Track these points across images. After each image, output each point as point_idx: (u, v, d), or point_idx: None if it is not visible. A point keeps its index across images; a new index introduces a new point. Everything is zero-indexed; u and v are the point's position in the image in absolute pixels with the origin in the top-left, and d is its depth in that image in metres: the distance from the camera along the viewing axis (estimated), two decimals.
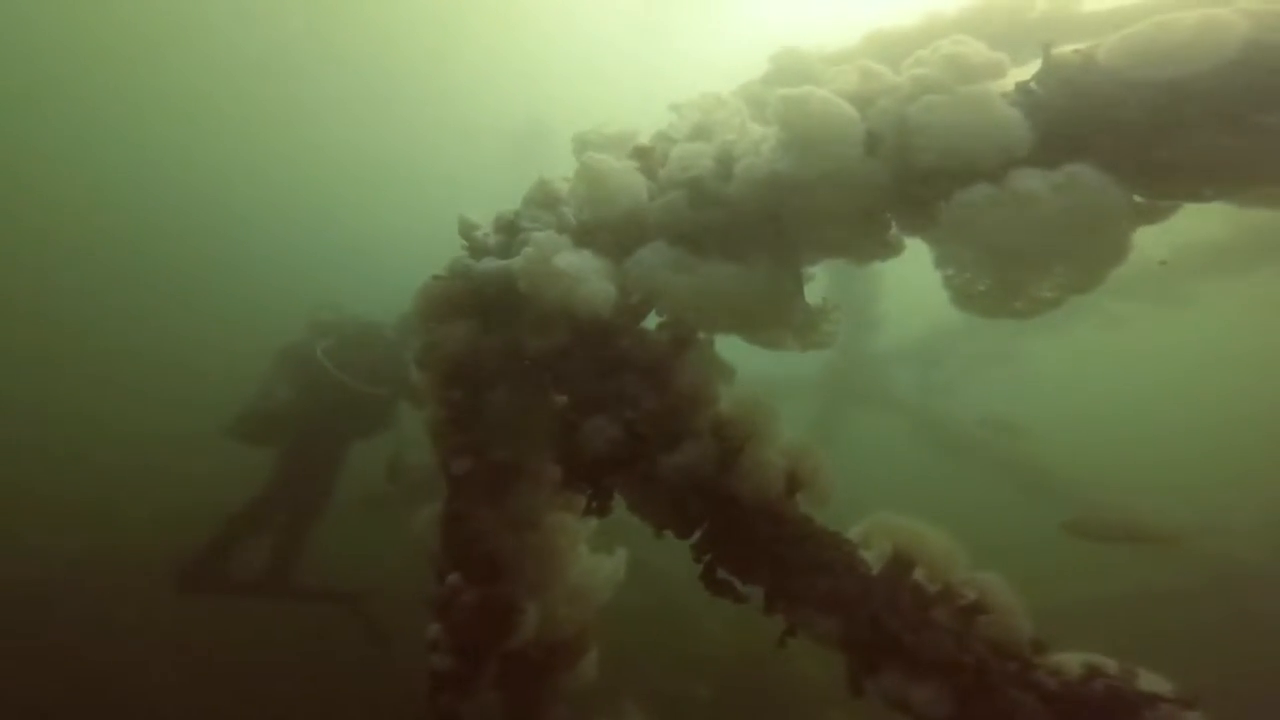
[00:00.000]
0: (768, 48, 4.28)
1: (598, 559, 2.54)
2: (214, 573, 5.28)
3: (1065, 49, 1.88)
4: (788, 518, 1.91)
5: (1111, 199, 1.51)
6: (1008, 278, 1.61)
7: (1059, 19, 3.83)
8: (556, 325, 1.93)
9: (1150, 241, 1.80)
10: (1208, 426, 11.70)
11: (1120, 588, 7.04)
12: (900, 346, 9.37)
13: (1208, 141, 1.62)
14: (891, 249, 2.07)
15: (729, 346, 2.19)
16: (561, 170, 2.34)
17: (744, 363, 2.22)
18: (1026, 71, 1.96)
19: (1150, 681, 1.77)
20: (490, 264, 2.02)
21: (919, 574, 1.85)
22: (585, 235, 2.02)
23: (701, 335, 2.06)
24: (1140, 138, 1.70)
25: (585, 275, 1.80)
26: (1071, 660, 1.82)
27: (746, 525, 1.91)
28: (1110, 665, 1.77)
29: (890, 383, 9.23)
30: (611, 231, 1.98)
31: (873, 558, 1.92)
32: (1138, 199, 1.74)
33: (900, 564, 1.84)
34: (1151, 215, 1.83)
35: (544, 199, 2.14)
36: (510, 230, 2.12)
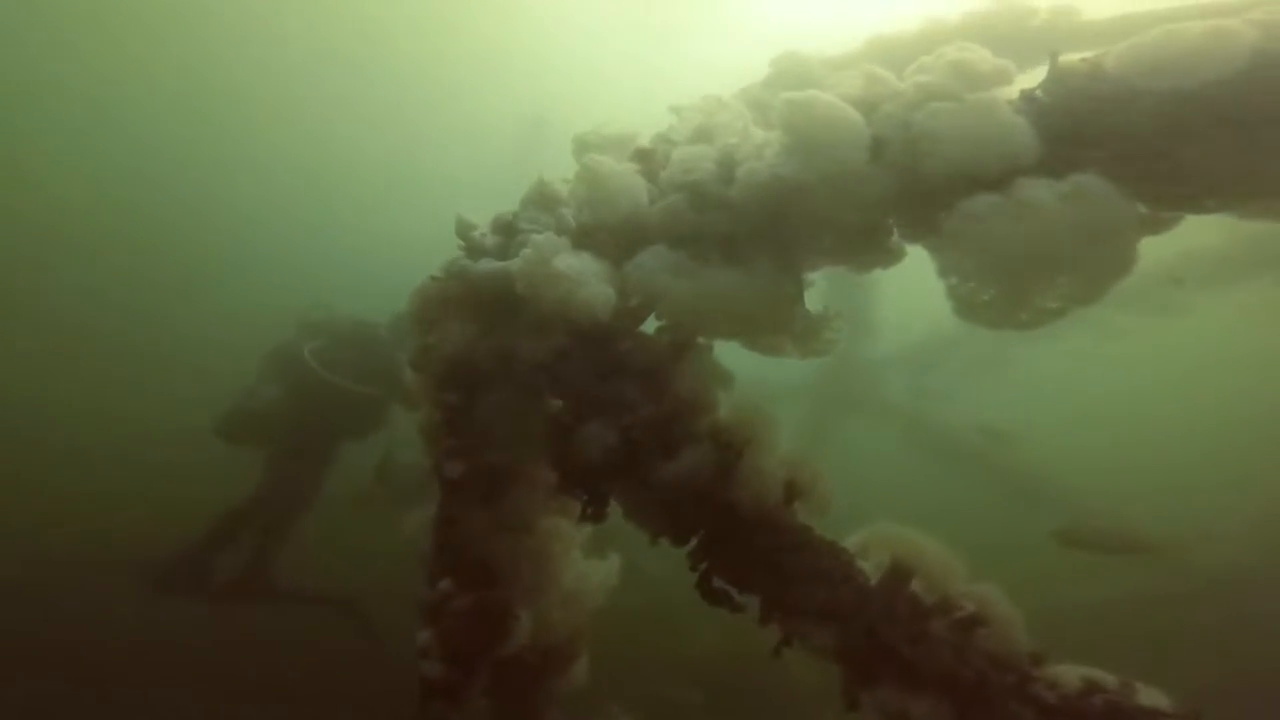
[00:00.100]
0: (769, 50, 4.26)
1: (591, 564, 2.51)
2: (194, 575, 5.23)
3: (1070, 57, 1.87)
4: (785, 526, 1.89)
5: (1118, 210, 1.50)
6: (1012, 288, 1.59)
7: (1061, 27, 3.82)
8: (554, 328, 1.90)
9: (1146, 252, 1.79)
10: (1203, 431, 11.75)
11: (1112, 592, 7.06)
12: (895, 351, 9.38)
13: (1214, 152, 1.61)
14: (893, 256, 2.06)
15: (721, 349, 2.17)
16: (561, 170, 2.32)
17: (736, 365, 2.19)
18: (1028, 78, 1.94)
19: (1149, 696, 1.75)
20: (488, 265, 2.00)
21: (917, 585, 1.83)
22: (584, 237, 1.99)
23: (700, 341, 2.03)
24: (1146, 148, 1.69)
25: (584, 278, 1.78)
26: (1070, 673, 1.80)
27: (744, 534, 1.89)
28: (1109, 680, 1.76)
29: (884, 388, 9.23)
30: (611, 234, 1.95)
31: (870, 568, 1.90)
32: (1141, 209, 1.73)
33: (898, 575, 1.82)
34: (1154, 226, 1.82)
35: (543, 200, 2.11)
36: (508, 231, 2.09)
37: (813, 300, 2.14)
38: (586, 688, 2.56)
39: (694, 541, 1.95)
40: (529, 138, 12.80)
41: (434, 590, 1.99)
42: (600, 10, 14.26)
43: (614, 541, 2.56)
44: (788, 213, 1.89)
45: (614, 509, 2.10)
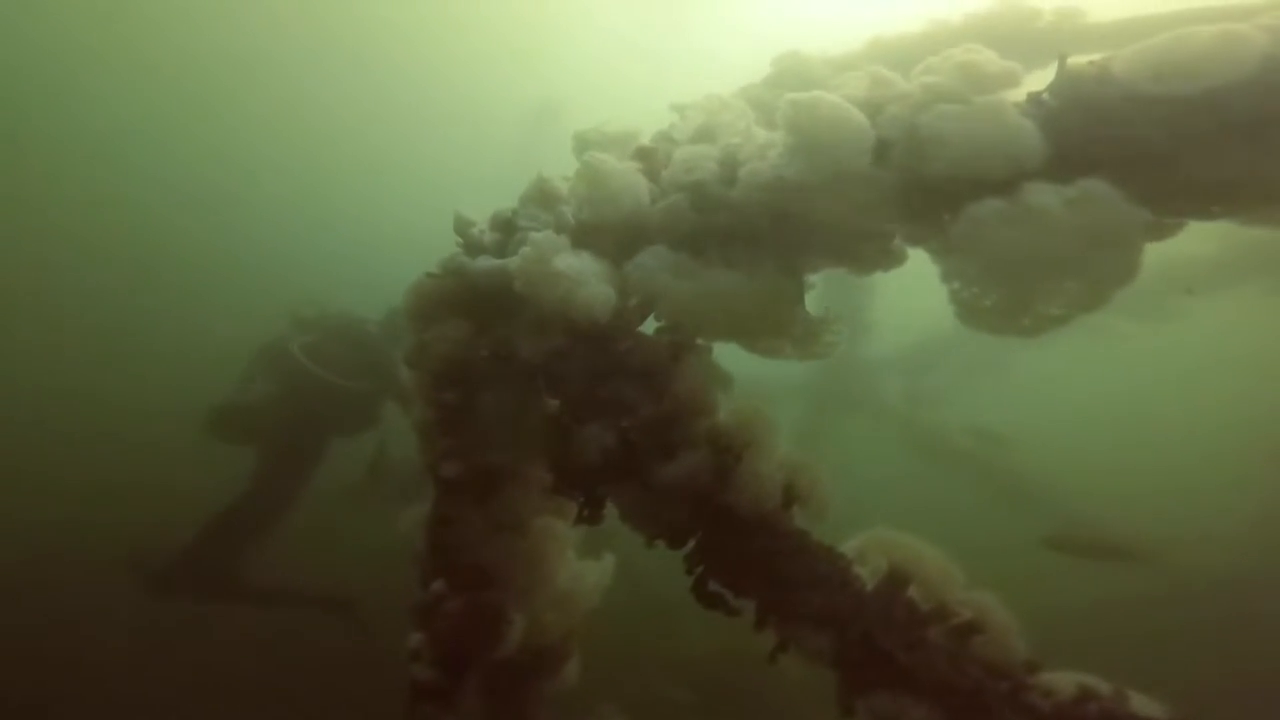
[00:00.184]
0: (770, 48, 4.23)
1: (585, 564, 2.50)
2: (189, 576, 5.19)
3: (1076, 60, 1.85)
4: (783, 531, 1.87)
5: (1125, 215, 1.48)
6: (1015, 294, 1.57)
7: (1066, 29, 3.81)
8: (553, 328, 1.88)
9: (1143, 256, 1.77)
10: (1198, 434, 11.81)
11: (1109, 594, 7.08)
12: (892, 353, 9.38)
13: (1223, 158, 1.59)
14: (895, 259, 2.04)
15: (719, 348, 2.14)
16: (563, 161, 2.29)
17: (731, 365, 2.18)
18: (1032, 80, 1.92)
19: (1143, 704, 1.75)
20: (486, 263, 1.97)
21: (914, 591, 1.82)
22: (584, 236, 1.97)
23: (700, 342, 2.01)
24: (1153, 153, 1.67)
25: (584, 278, 1.75)
26: (1064, 680, 1.79)
27: (741, 537, 1.87)
28: (1103, 687, 1.75)
29: (881, 390, 9.23)
30: (611, 233, 1.93)
31: (868, 573, 1.89)
32: (1145, 215, 1.72)
33: (895, 581, 1.81)
34: (1158, 232, 1.80)
35: (542, 198, 2.08)
36: (507, 228, 2.06)
37: (811, 301, 2.12)
38: (579, 687, 2.54)
39: (690, 544, 1.93)
40: (533, 128, 12.74)
41: (426, 591, 1.96)
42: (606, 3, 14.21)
43: (607, 540, 2.54)
44: (790, 214, 1.87)
45: (609, 510, 2.09)
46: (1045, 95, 1.79)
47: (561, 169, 2.25)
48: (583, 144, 2.36)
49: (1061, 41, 3.79)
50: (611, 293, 1.81)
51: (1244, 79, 1.57)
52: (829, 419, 9.37)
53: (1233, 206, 1.73)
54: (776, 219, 1.90)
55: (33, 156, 15.87)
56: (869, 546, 1.89)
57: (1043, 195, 1.51)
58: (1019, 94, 1.86)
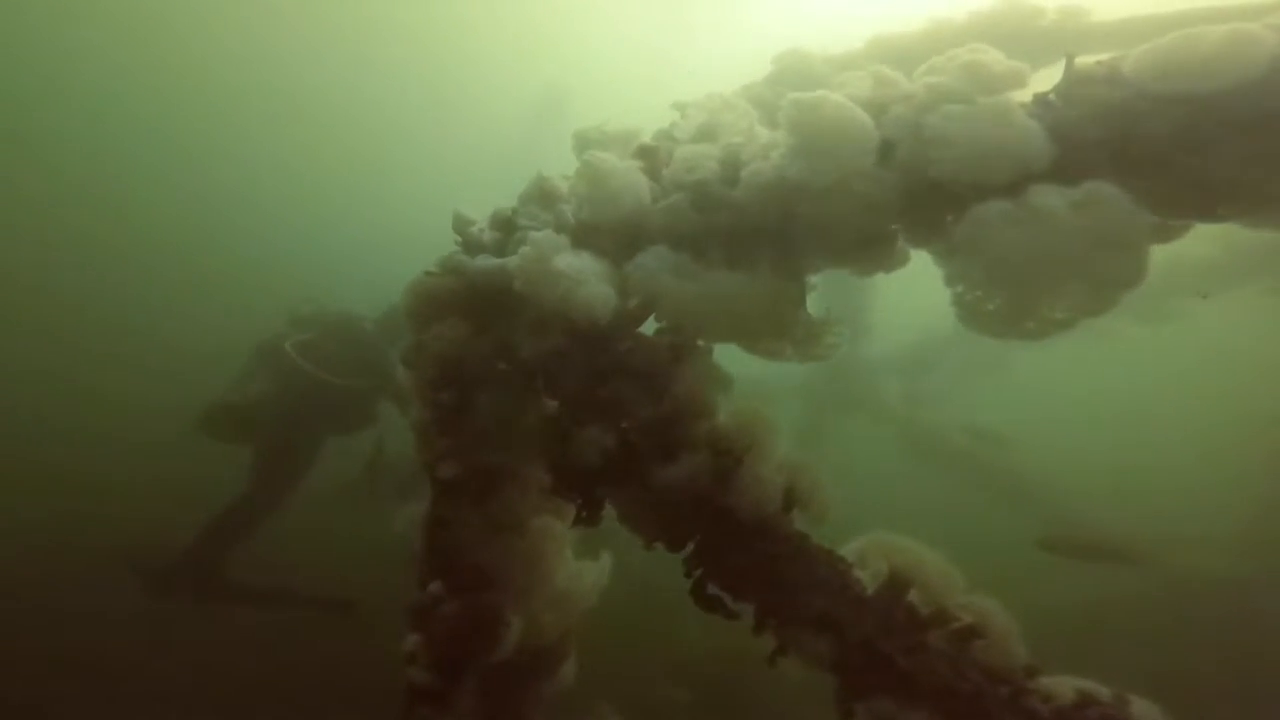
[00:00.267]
0: (771, 47, 4.21)
1: (583, 564, 2.48)
2: (188, 577, 5.17)
3: (1083, 60, 1.83)
4: (783, 534, 1.86)
5: (1131, 218, 1.46)
6: (1020, 297, 1.56)
7: (1070, 28, 3.78)
8: (552, 328, 1.86)
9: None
10: (1195, 433, 11.82)
11: (1107, 593, 7.08)
12: (890, 352, 9.37)
13: (1232, 159, 1.57)
14: (897, 260, 2.02)
15: (718, 348, 2.12)
16: (565, 162, 2.27)
17: (729, 365, 2.16)
18: (1035, 79, 1.90)
19: (1143, 708, 1.74)
20: (485, 262, 1.95)
21: (914, 596, 1.81)
22: (584, 235, 1.95)
23: (700, 344, 1.99)
24: (1161, 154, 1.65)
25: (584, 278, 1.73)
26: (1064, 685, 1.78)
27: (740, 540, 1.86)
28: (1103, 692, 1.74)
29: (879, 389, 9.22)
30: (612, 233, 1.91)
31: (868, 577, 1.88)
32: (1151, 217, 1.70)
33: (896, 585, 1.79)
34: (1164, 234, 1.79)
35: (542, 196, 2.06)
36: (506, 227, 2.04)
37: (810, 301, 2.10)
38: (576, 686, 2.53)
39: (690, 547, 1.92)
40: (536, 124, 12.69)
41: (423, 593, 1.95)
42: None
43: (605, 539, 2.53)
44: (792, 215, 1.85)
45: (607, 509, 2.07)
46: (1052, 96, 1.77)
47: (564, 166, 2.23)
48: (583, 142, 2.34)
49: (1065, 40, 3.77)
50: (612, 293, 1.79)
51: (1254, 79, 1.55)
52: (828, 419, 9.36)
53: (1241, 208, 1.71)
54: (779, 220, 1.88)
55: (33, 153, 15.80)
56: (869, 550, 1.87)
57: (1048, 197, 1.50)
58: (1024, 94, 1.84)
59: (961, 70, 1.71)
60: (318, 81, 16.99)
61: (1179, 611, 6.77)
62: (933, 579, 1.78)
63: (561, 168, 2.25)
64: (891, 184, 1.77)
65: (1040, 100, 1.77)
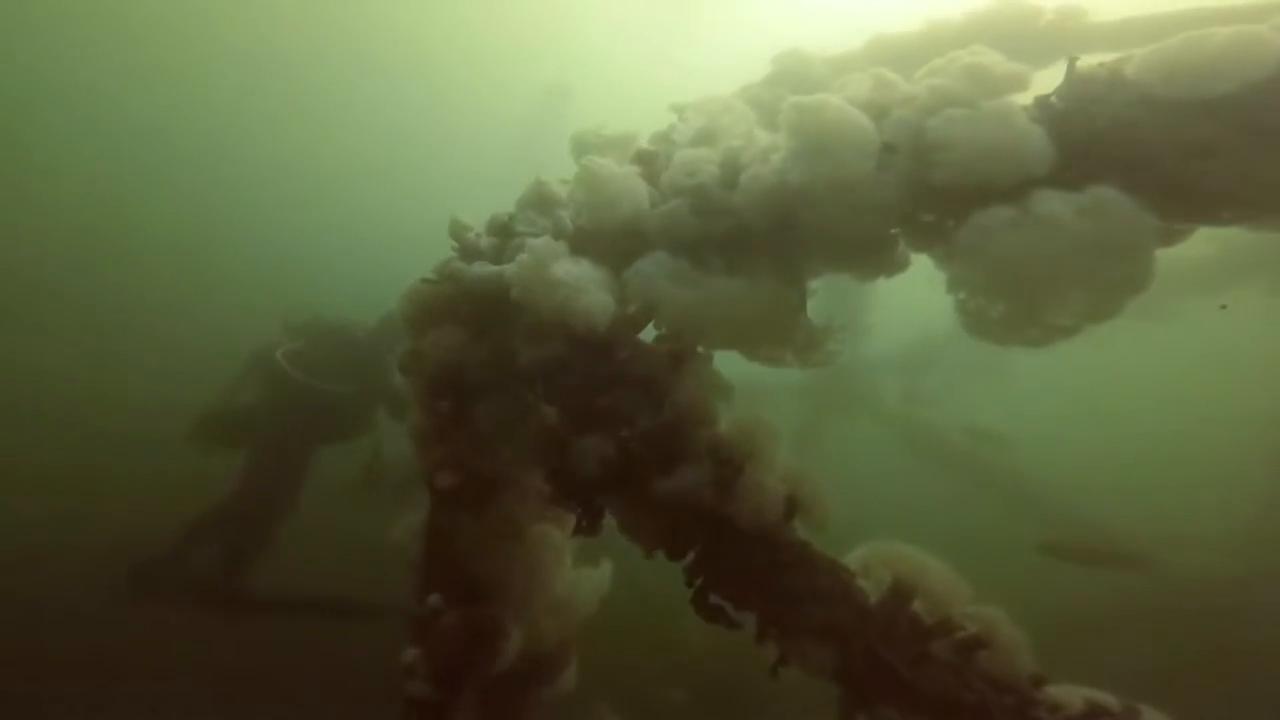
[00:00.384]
0: (770, 46, 4.19)
1: (583, 571, 2.46)
2: (165, 578, 5.14)
3: (1090, 63, 1.81)
4: (784, 543, 1.84)
5: (1137, 224, 1.44)
6: (1024, 304, 1.53)
7: (1068, 28, 3.76)
8: (551, 336, 1.83)
9: None
10: (1193, 433, 11.83)
11: (1108, 592, 7.07)
12: (888, 352, 9.35)
13: (1238, 163, 1.55)
14: (898, 265, 2.00)
15: (716, 352, 2.10)
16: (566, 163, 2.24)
17: (728, 366, 2.13)
18: (1035, 80, 1.88)
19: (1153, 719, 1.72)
20: (482, 269, 1.92)
21: (918, 605, 1.78)
22: (583, 241, 1.92)
23: (700, 350, 1.97)
24: (1166, 157, 1.63)
25: (583, 285, 1.71)
26: (1072, 694, 1.76)
27: (741, 549, 1.84)
28: (1111, 702, 1.72)
29: (877, 389, 9.20)
30: (611, 239, 1.88)
31: (871, 586, 1.85)
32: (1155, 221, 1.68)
33: (899, 595, 1.77)
34: (1168, 238, 1.77)
35: (540, 201, 2.04)
36: (504, 233, 2.01)
37: (810, 306, 2.08)
38: (576, 688, 2.51)
39: (690, 556, 1.89)
40: (538, 123, 12.65)
41: (422, 605, 1.92)
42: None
43: (604, 543, 2.51)
44: (793, 219, 1.83)
45: (607, 515, 2.05)
46: (1054, 99, 1.75)
47: (568, 165, 2.20)
48: (581, 146, 2.31)
49: (1064, 41, 3.75)
50: (610, 300, 1.76)
51: (1261, 81, 1.53)
52: (827, 419, 9.34)
53: (1246, 212, 1.70)
54: (779, 224, 1.86)
55: (33, 154, 15.73)
56: (872, 559, 1.85)
57: (1052, 203, 1.48)
58: (1023, 97, 1.82)
59: (962, 73, 1.69)
60: (318, 82, 16.93)
61: (1179, 610, 6.77)
62: (937, 588, 1.76)
63: (565, 167, 2.22)
64: (892, 188, 1.75)
65: (1042, 103, 1.75)
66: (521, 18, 15.19)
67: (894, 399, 9.32)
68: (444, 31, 15.67)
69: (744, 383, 2.26)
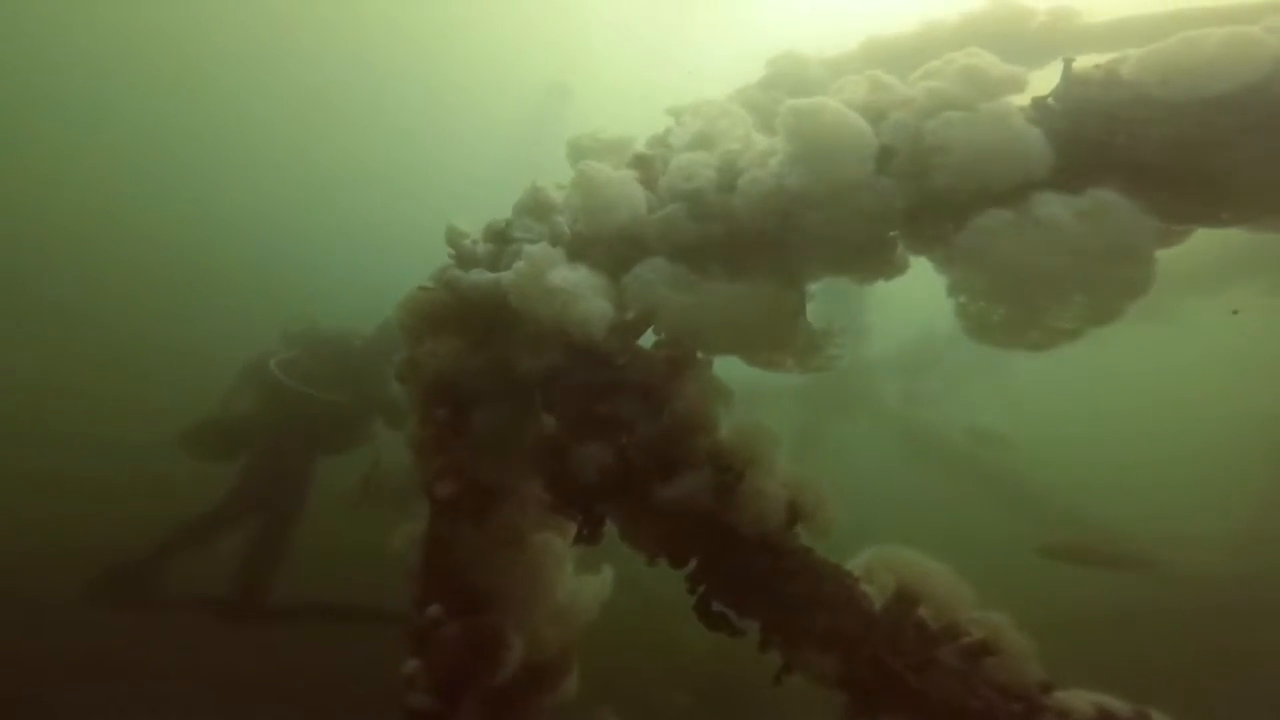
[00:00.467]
0: (766, 48, 4.18)
1: (584, 578, 2.44)
2: (144, 583, 5.12)
3: (1083, 63, 1.81)
4: (787, 550, 1.82)
5: (1138, 227, 1.44)
6: (1025, 308, 1.53)
7: (1061, 29, 3.77)
8: (549, 343, 1.82)
9: None
10: (1193, 432, 11.85)
11: (1109, 591, 7.06)
12: (888, 353, 9.34)
13: (1236, 163, 1.55)
14: (897, 268, 2.00)
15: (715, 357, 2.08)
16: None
17: (726, 366, 2.12)
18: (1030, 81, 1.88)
19: None
20: (479, 276, 1.91)
21: (923, 611, 1.77)
22: (580, 248, 1.91)
23: (700, 356, 1.96)
24: (1163, 158, 1.62)
25: (580, 292, 1.70)
26: (1081, 699, 1.74)
27: (743, 557, 1.82)
28: (1122, 708, 1.70)
29: (877, 390, 9.19)
30: (608, 244, 1.87)
31: (875, 591, 1.84)
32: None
33: (904, 600, 1.76)
34: (1167, 239, 1.76)
35: (537, 207, 2.03)
36: (500, 239, 2.00)
37: (809, 310, 2.07)
38: (577, 693, 2.50)
39: (692, 564, 1.88)
40: (537, 124, 12.66)
41: (422, 616, 1.90)
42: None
43: (606, 546, 2.49)
44: (791, 223, 1.82)
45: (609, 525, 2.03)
46: (1051, 100, 1.75)
47: (567, 167, 2.18)
48: (578, 150, 2.30)
49: (1057, 41, 3.75)
50: (609, 307, 1.75)
51: (1256, 82, 1.53)
52: (827, 420, 9.33)
53: (1245, 213, 1.69)
54: (777, 228, 1.85)
55: (31, 161, 15.72)
56: (876, 564, 1.84)
57: (1052, 206, 1.47)
58: (1020, 98, 1.82)
59: (959, 75, 1.68)
60: (317, 84, 16.94)
61: (1179, 610, 6.76)
62: (942, 594, 1.75)
63: (566, 168, 2.20)
64: (891, 191, 1.74)
65: (1039, 105, 1.75)
66: (521, 17, 15.21)
67: (894, 400, 9.31)
68: (443, 33, 15.68)
69: (743, 384, 2.25)
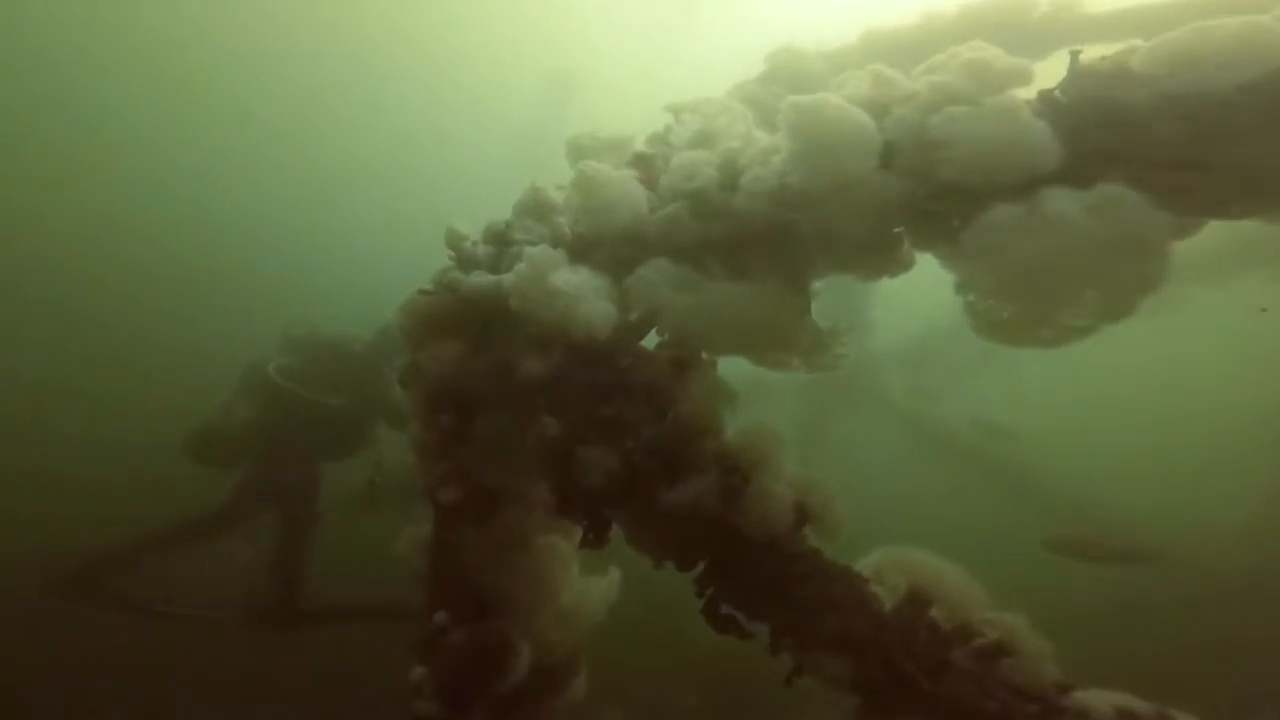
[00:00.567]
0: (765, 41, 4.14)
1: (590, 580, 2.42)
2: (130, 581, 5.13)
3: (1087, 54, 1.78)
4: (795, 552, 1.80)
5: (1150, 222, 1.41)
6: (1035, 305, 1.50)
7: (1062, 20, 3.73)
8: (551, 346, 1.80)
9: None
10: (1200, 425, 11.80)
11: (1111, 588, 7.04)
12: (892, 347, 9.31)
13: (1248, 155, 1.52)
14: (903, 265, 1.97)
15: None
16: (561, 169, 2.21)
17: (729, 362, 2.10)
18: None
19: None
20: (480, 279, 1.88)
21: (935, 612, 1.75)
22: (582, 249, 1.89)
23: (704, 357, 1.94)
24: (1173, 151, 1.60)
25: (583, 294, 1.68)
26: (1100, 699, 1.71)
27: (751, 560, 1.80)
28: (1144, 708, 1.68)
29: (882, 385, 9.16)
30: (610, 245, 1.85)
31: (885, 592, 1.82)
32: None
33: (916, 602, 1.73)
34: (1176, 232, 1.73)
35: (537, 208, 2.00)
36: (501, 241, 1.98)
37: (815, 309, 2.04)
38: (583, 694, 2.49)
39: (700, 567, 1.86)
40: (539, 122, 12.63)
41: (429, 623, 1.88)
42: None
43: (611, 549, 2.48)
44: (794, 221, 1.80)
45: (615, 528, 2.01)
46: (1058, 93, 1.72)
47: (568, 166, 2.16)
48: (577, 150, 2.28)
49: (1059, 32, 3.72)
50: (611, 309, 1.73)
51: (1268, 73, 1.50)
52: (832, 415, 9.30)
53: (1255, 205, 1.66)
54: (781, 227, 1.82)
55: (32, 165, 15.73)
56: (886, 565, 1.81)
57: (1061, 202, 1.44)
58: (1027, 91, 1.79)
59: (964, 69, 1.66)
60: (317, 84, 16.91)
61: (1186, 600, 6.73)
62: (954, 594, 1.73)
63: (566, 167, 2.17)
64: (895, 187, 1.72)
65: (1046, 98, 1.72)
66: (521, 16, 15.16)
67: (899, 394, 9.28)
68: (443, 33, 15.64)
69: (746, 380, 2.23)
